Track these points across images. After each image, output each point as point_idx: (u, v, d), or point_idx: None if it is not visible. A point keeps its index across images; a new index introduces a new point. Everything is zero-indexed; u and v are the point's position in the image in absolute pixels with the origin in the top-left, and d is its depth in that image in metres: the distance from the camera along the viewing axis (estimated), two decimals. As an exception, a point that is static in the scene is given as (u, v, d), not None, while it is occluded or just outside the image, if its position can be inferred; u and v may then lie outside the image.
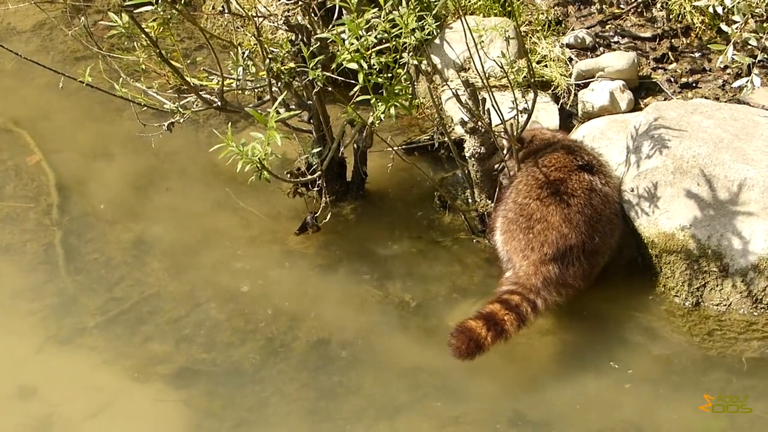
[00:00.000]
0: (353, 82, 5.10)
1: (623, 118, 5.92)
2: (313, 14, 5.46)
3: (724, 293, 5.32)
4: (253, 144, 4.86)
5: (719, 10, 5.69)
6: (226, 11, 5.45)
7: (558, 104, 6.12)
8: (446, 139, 5.67)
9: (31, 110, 6.62)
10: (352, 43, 4.95)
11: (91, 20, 6.53)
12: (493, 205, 5.60)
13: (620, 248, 5.46)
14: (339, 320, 5.46)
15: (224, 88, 5.51)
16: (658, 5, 6.46)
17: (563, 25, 6.48)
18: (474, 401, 5.09)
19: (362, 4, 4.99)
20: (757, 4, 5.41)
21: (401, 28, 4.92)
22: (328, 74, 5.20)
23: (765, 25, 5.55)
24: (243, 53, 5.49)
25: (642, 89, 6.18)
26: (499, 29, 5.65)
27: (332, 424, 5.03)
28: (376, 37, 4.98)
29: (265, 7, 5.92)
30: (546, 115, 5.98)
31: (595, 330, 5.34)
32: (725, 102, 5.98)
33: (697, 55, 6.32)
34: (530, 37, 6.36)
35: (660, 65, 6.30)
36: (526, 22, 6.45)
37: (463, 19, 5.12)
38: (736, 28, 5.41)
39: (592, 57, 6.29)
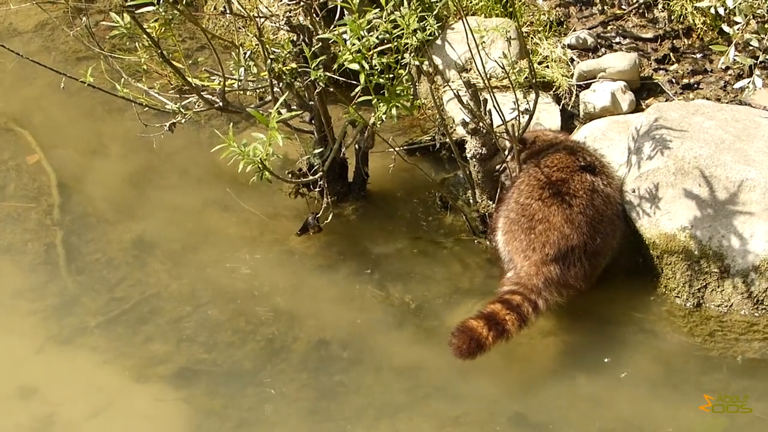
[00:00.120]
0: (355, 82, 5.10)
1: (625, 119, 5.92)
2: (314, 15, 5.47)
3: (725, 294, 5.31)
4: (254, 144, 4.86)
5: (721, 11, 5.69)
6: (228, 12, 5.45)
7: (559, 105, 6.12)
8: (448, 139, 5.67)
9: (32, 110, 6.62)
10: (354, 44, 4.95)
11: (92, 20, 6.52)
12: (494, 205, 5.61)
13: (621, 249, 5.46)
14: (340, 320, 5.46)
15: (226, 88, 5.51)
16: (660, 6, 6.46)
17: (565, 26, 6.48)
18: (474, 401, 5.09)
19: (364, 5, 5.00)
20: (758, 5, 5.40)
21: (403, 29, 4.92)
22: (329, 75, 5.20)
23: (766, 26, 5.54)
24: (244, 54, 5.49)
25: (643, 90, 6.18)
26: (500, 30, 5.65)
27: (333, 424, 5.03)
28: (377, 38, 4.98)
29: (266, 7, 5.92)
30: (547, 116, 5.98)
31: (596, 331, 5.34)
32: (727, 103, 5.98)
33: (698, 56, 6.32)
34: (532, 38, 6.36)
35: (661, 66, 6.30)
36: (528, 23, 6.45)
37: (464, 19, 5.12)
38: (738, 29, 5.41)
39: (593, 58, 6.29)
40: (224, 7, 5.50)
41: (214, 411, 5.09)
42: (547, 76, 6.19)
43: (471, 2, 6.45)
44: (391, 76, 5.07)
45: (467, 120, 5.46)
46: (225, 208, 5.99)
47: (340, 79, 5.26)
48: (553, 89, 6.17)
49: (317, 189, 5.77)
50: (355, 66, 4.98)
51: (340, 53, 5.05)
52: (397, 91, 5.10)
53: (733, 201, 5.29)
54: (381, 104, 5.09)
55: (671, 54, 6.33)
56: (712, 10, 5.90)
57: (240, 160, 4.87)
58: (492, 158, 5.59)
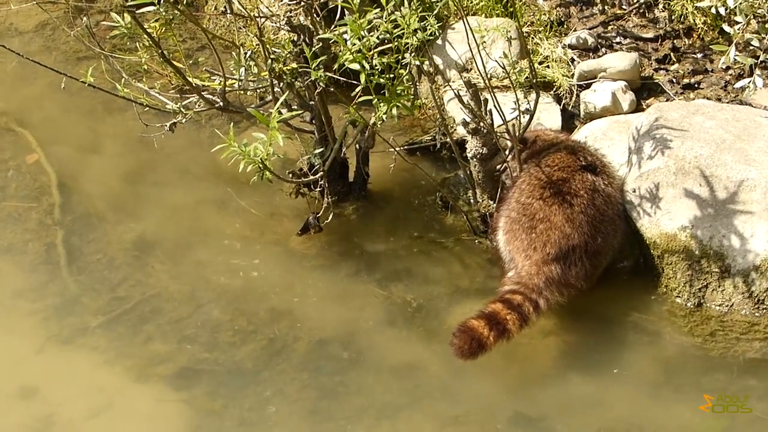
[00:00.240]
0: (355, 82, 5.10)
1: (625, 118, 5.92)
2: (315, 15, 5.47)
3: (725, 294, 5.31)
4: (255, 144, 4.86)
5: (721, 10, 5.69)
6: (228, 12, 5.45)
7: (560, 105, 6.12)
8: (448, 139, 5.67)
9: (33, 110, 6.63)
10: (354, 44, 4.95)
11: (93, 20, 6.52)
12: (495, 205, 5.61)
13: (622, 249, 5.46)
14: (340, 320, 5.46)
15: (226, 88, 5.51)
16: (660, 6, 6.46)
17: (565, 26, 6.49)
18: (475, 401, 5.09)
19: (364, 5, 5.00)
20: (759, 4, 5.40)
21: (403, 29, 4.92)
22: (330, 75, 5.21)
23: (767, 25, 5.54)
24: (245, 54, 5.49)
25: (644, 90, 6.18)
26: (501, 30, 5.66)
27: (333, 424, 5.03)
28: (378, 38, 4.98)
29: (267, 7, 5.92)
30: (548, 116, 5.99)
31: (597, 330, 5.34)
32: (727, 103, 5.98)
33: (699, 55, 6.32)
34: (532, 38, 6.36)
35: (662, 66, 6.30)
36: (528, 23, 6.45)
37: (465, 19, 5.12)
38: (738, 29, 5.41)
39: (594, 58, 6.29)
40: (225, 7, 5.50)
41: (214, 411, 5.09)
42: (547, 76, 6.19)
43: (471, 2, 6.45)
44: (391, 76, 5.07)
45: (468, 120, 5.46)
46: (226, 207, 5.99)
47: (341, 79, 5.26)
48: (554, 89, 6.18)
49: (318, 189, 5.77)
50: (355, 66, 4.98)
51: (340, 53, 5.05)
52: (398, 91, 5.10)
53: (734, 201, 5.30)
54: (381, 104, 5.09)
55: (672, 54, 6.33)
56: (713, 10, 5.90)
57: (240, 159, 4.87)
58: (492, 158, 5.59)
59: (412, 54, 5.04)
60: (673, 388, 5.13)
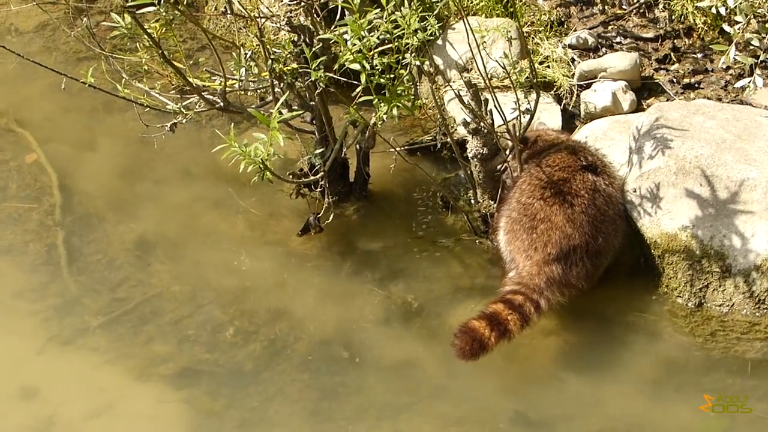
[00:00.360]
0: (356, 82, 5.10)
1: (626, 118, 5.92)
2: (315, 15, 5.47)
3: (726, 294, 5.31)
4: (255, 145, 4.86)
5: (722, 10, 5.69)
6: (229, 12, 5.45)
7: (560, 105, 6.12)
8: (449, 139, 5.67)
9: (33, 111, 6.63)
10: (355, 44, 4.95)
11: (93, 21, 6.52)
12: (495, 205, 5.61)
13: (623, 249, 5.46)
14: (341, 321, 5.46)
15: (227, 88, 5.51)
16: (661, 6, 6.46)
17: (565, 26, 6.49)
18: (476, 401, 5.09)
19: (364, 5, 5.00)
20: (759, 4, 5.40)
21: (403, 29, 4.92)
22: (330, 75, 5.20)
23: (767, 25, 5.54)
24: (245, 54, 5.49)
25: (644, 90, 6.18)
26: (501, 30, 5.65)
27: (334, 424, 5.03)
28: (378, 38, 4.97)
29: (267, 7, 5.92)
30: (548, 116, 5.98)
31: (598, 330, 5.34)
32: (727, 102, 5.98)
33: (699, 55, 6.32)
34: (532, 38, 6.36)
35: (662, 66, 6.30)
36: (529, 23, 6.45)
37: (465, 19, 5.12)
38: (739, 29, 5.41)
39: (594, 58, 6.29)
40: (225, 7, 5.50)
41: (215, 411, 5.09)
42: (548, 76, 6.19)
43: (472, 2, 6.45)
44: (392, 76, 5.07)
45: (468, 120, 5.46)
46: (226, 208, 5.99)
47: (341, 79, 5.26)
48: (554, 89, 6.18)
49: (318, 189, 5.77)
50: (355, 66, 4.97)
51: (340, 53, 5.05)
52: (398, 91, 5.10)
53: (735, 200, 5.30)
54: (382, 104, 5.09)
55: (672, 54, 6.33)
56: (713, 10, 5.90)
57: (241, 160, 4.86)
58: (493, 158, 5.59)
59: (413, 54, 5.03)
60: (674, 388, 5.13)
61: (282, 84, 5.48)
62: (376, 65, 5.00)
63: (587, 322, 5.35)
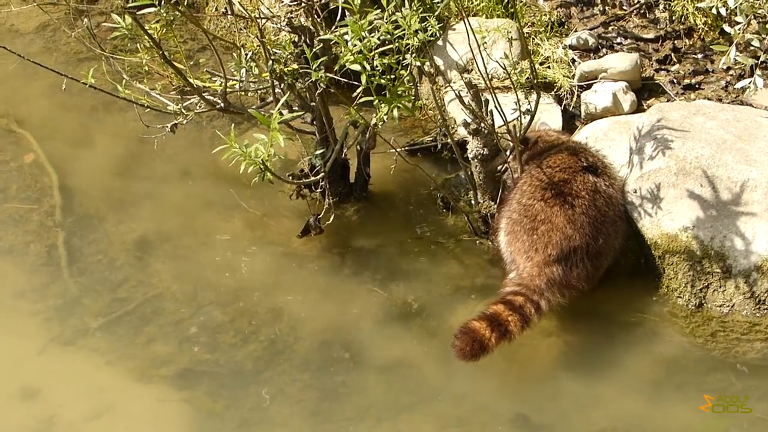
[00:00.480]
0: (356, 83, 5.10)
1: (626, 119, 5.92)
2: (316, 16, 5.47)
3: (726, 294, 5.31)
4: (256, 145, 4.86)
5: (722, 11, 5.69)
6: (229, 13, 5.45)
7: (561, 106, 6.12)
8: (449, 140, 5.67)
9: (34, 111, 6.63)
10: (355, 45, 4.95)
11: (94, 22, 6.51)
12: (496, 206, 5.61)
13: (623, 250, 5.46)
14: (341, 321, 5.46)
15: (227, 89, 5.51)
16: (661, 6, 6.46)
17: (566, 27, 6.49)
18: (476, 402, 5.09)
19: (365, 6, 5.00)
20: (759, 5, 5.40)
21: (404, 30, 4.92)
22: (331, 76, 5.20)
23: (767, 26, 5.54)
24: (246, 55, 5.49)
25: (645, 90, 6.18)
26: (501, 30, 5.66)
27: (335, 424, 5.04)
28: (379, 39, 4.97)
29: (268, 8, 5.92)
30: (549, 117, 5.98)
31: (598, 331, 5.34)
32: (728, 103, 5.98)
33: (699, 56, 6.32)
34: (533, 39, 6.36)
35: (663, 66, 6.30)
36: (529, 24, 6.45)
37: (465, 20, 5.12)
38: (739, 29, 5.40)
39: (594, 58, 6.30)
40: (225, 8, 5.50)
41: (216, 412, 5.09)
42: (548, 76, 6.19)
43: (472, 3, 6.45)
44: (392, 76, 5.07)
45: (469, 121, 5.46)
46: (226, 209, 5.99)
47: (342, 80, 5.26)
48: (555, 90, 6.18)
49: (319, 190, 5.77)
50: (356, 67, 4.98)
51: (341, 54, 5.05)
52: (399, 92, 5.10)
53: (735, 201, 5.30)
54: (382, 105, 5.09)
55: (672, 54, 6.33)
56: (714, 11, 5.90)
57: (241, 161, 4.87)
58: (493, 159, 5.59)
59: (413, 55, 5.04)
60: (674, 388, 5.14)
61: (282, 85, 5.48)
62: (377, 66, 5.00)
63: (587, 322, 5.35)
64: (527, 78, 5.94)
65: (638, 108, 6.05)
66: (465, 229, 5.81)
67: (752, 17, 5.42)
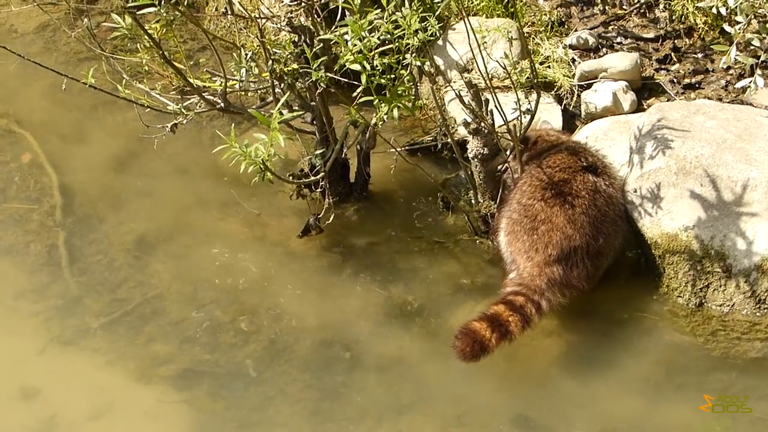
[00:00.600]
0: (356, 83, 5.10)
1: (626, 119, 5.92)
2: (316, 15, 5.47)
3: (727, 294, 5.31)
4: (256, 145, 4.86)
5: (722, 10, 5.69)
6: (229, 13, 5.45)
7: (561, 105, 6.12)
8: (449, 140, 5.67)
9: (34, 111, 6.63)
10: (355, 45, 4.95)
11: (94, 22, 6.51)
12: (496, 206, 5.60)
13: (623, 249, 5.46)
14: (342, 321, 5.46)
15: (227, 89, 5.51)
16: (661, 6, 6.46)
17: (566, 26, 6.48)
18: (476, 402, 5.09)
19: (365, 6, 4.99)
20: (760, 4, 5.40)
21: (404, 29, 4.92)
22: (331, 75, 5.20)
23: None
24: (246, 54, 5.49)
25: (645, 90, 6.18)
26: (502, 30, 5.66)
27: (335, 424, 5.04)
28: (379, 38, 4.97)
29: (268, 8, 5.92)
30: (549, 116, 5.98)
31: (598, 331, 5.34)
32: (728, 103, 5.98)
33: (700, 55, 6.32)
34: (533, 38, 6.36)
35: (663, 66, 6.30)
36: (529, 23, 6.45)
37: (466, 20, 5.12)
38: (739, 29, 5.40)
39: (594, 58, 6.29)
40: (225, 8, 5.50)
41: (216, 412, 5.09)
42: (548, 76, 6.19)
43: (472, 3, 6.45)
44: (392, 76, 5.07)
45: (469, 120, 5.46)
46: (227, 208, 5.99)
47: (342, 79, 5.26)
48: (555, 89, 6.18)
49: (319, 190, 5.77)
50: (356, 66, 4.97)
51: (341, 54, 5.05)
52: (399, 92, 5.10)
53: (735, 200, 5.30)
54: (382, 105, 5.09)
55: (672, 54, 6.33)
56: (714, 10, 5.90)
57: (242, 160, 4.86)
58: (494, 158, 5.59)
59: (413, 54, 5.03)
60: (674, 388, 5.13)
61: (282, 84, 5.48)
62: (377, 66, 5.00)
63: (588, 322, 5.35)
64: (527, 77, 5.94)
65: (638, 107, 6.05)
66: (465, 228, 5.81)
67: (752, 17, 5.42)
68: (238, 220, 5.95)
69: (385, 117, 5.13)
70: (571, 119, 6.11)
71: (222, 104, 5.53)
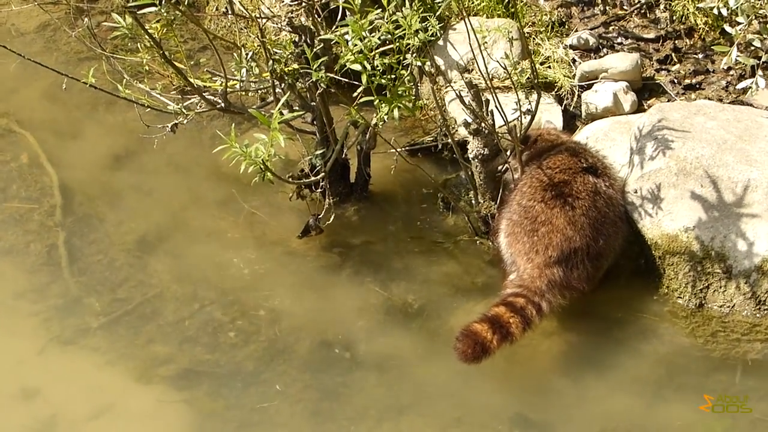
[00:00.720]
0: (357, 83, 5.10)
1: (627, 119, 5.92)
2: (316, 15, 5.46)
3: (727, 295, 5.31)
4: (256, 145, 4.85)
5: (723, 11, 5.68)
6: (230, 12, 5.45)
7: (561, 106, 6.11)
8: (449, 140, 5.67)
9: (34, 111, 6.63)
10: (356, 45, 4.95)
11: (94, 21, 6.50)
12: (496, 207, 5.60)
13: (623, 250, 5.46)
14: (342, 321, 5.46)
15: (228, 89, 5.51)
16: (662, 6, 6.46)
17: (567, 27, 6.48)
18: (476, 402, 5.09)
19: (365, 5, 4.99)
20: (761, 5, 5.40)
21: (405, 30, 4.92)
22: (331, 75, 5.20)
23: (768, 26, 5.55)
24: (246, 54, 5.49)
25: (645, 90, 6.18)
26: (502, 30, 5.66)
27: (335, 425, 5.04)
28: (379, 39, 4.97)
29: (268, 8, 5.92)
30: (549, 117, 5.98)
31: (599, 332, 5.34)
32: (729, 103, 5.98)
33: (700, 56, 6.31)
34: (534, 39, 6.36)
35: (663, 66, 6.30)
36: (530, 24, 6.44)
37: (466, 20, 5.12)
38: (740, 30, 5.40)
39: (595, 58, 6.29)
40: (226, 8, 5.50)
41: (216, 412, 5.09)
42: (549, 76, 6.19)
43: (473, 3, 6.45)
44: (393, 76, 5.07)
45: (469, 120, 5.46)
46: (227, 208, 5.99)
47: (342, 79, 5.26)
48: (555, 90, 6.17)
49: (319, 190, 5.77)
50: (356, 67, 4.97)
51: (341, 54, 5.05)
52: (399, 92, 5.10)
53: (736, 201, 5.30)
54: (383, 105, 5.09)
55: (673, 54, 6.33)
56: (714, 11, 5.90)
57: (242, 161, 4.86)
58: (494, 159, 5.59)
59: (414, 55, 5.03)
60: (674, 388, 5.14)
61: (283, 84, 5.48)
62: (377, 66, 4.99)
63: (588, 323, 5.35)
64: (528, 78, 5.94)
65: (639, 108, 6.05)
66: (465, 229, 5.81)
67: (753, 17, 5.42)
68: (238, 219, 5.95)
69: (385, 117, 5.12)
70: (572, 120, 6.11)
71: (222, 104, 5.52)
